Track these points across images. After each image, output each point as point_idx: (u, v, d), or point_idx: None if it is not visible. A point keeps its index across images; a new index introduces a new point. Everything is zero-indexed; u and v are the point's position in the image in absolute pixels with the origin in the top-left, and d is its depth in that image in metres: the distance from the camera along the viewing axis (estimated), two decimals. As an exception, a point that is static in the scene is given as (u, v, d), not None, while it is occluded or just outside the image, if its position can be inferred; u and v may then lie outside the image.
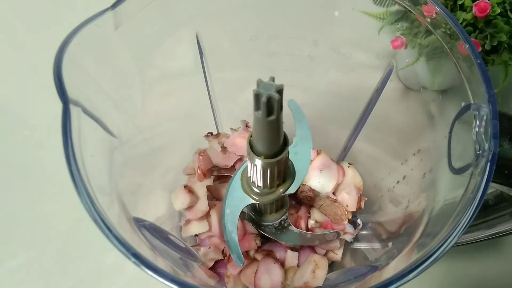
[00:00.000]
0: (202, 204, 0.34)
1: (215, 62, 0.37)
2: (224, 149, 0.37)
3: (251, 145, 0.25)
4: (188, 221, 0.34)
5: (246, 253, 0.35)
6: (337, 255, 0.35)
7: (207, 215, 0.34)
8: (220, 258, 0.35)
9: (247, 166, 0.28)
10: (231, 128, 0.39)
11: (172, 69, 0.34)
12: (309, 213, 0.36)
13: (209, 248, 0.35)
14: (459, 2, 0.40)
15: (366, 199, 0.36)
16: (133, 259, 0.18)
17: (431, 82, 0.29)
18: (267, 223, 0.34)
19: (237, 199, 0.30)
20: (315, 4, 0.33)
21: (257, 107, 0.20)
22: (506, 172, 0.24)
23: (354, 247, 0.36)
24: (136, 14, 0.26)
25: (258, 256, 0.34)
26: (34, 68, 0.50)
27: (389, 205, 0.35)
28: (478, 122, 0.21)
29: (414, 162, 0.31)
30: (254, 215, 0.35)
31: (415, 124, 0.32)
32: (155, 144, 0.37)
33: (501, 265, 0.42)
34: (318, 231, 0.35)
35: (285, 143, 0.25)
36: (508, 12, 0.40)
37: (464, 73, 0.24)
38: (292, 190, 0.29)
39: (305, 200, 0.36)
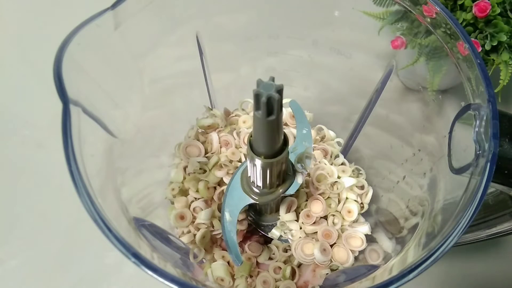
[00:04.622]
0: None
1: (215, 62, 0.37)
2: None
3: (251, 145, 0.25)
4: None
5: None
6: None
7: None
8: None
9: (247, 166, 0.28)
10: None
11: (172, 69, 0.34)
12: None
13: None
14: (459, 2, 0.40)
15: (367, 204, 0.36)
16: (133, 259, 0.18)
17: (431, 82, 0.29)
18: (267, 223, 0.34)
19: (237, 199, 0.30)
20: (315, 4, 0.33)
21: (257, 107, 0.20)
22: (506, 172, 0.24)
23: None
24: (136, 14, 0.26)
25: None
26: (34, 68, 0.50)
27: (389, 205, 0.35)
28: (478, 122, 0.21)
29: (414, 162, 0.31)
30: (254, 215, 0.35)
31: (415, 124, 0.32)
32: (155, 144, 0.37)
33: (501, 265, 0.42)
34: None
35: (285, 143, 0.25)
36: (508, 12, 0.40)
37: (464, 73, 0.24)
38: (292, 190, 0.29)
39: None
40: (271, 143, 0.24)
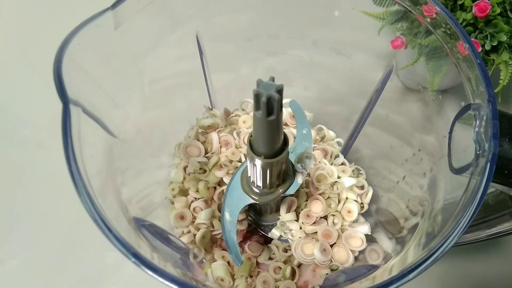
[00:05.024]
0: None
1: (215, 62, 0.37)
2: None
3: (251, 145, 0.25)
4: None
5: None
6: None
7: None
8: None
9: (247, 166, 0.28)
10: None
11: (172, 69, 0.34)
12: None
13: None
14: (459, 2, 0.40)
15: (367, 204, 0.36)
16: (133, 259, 0.18)
17: (431, 82, 0.29)
18: (267, 223, 0.34)
19: (237, 199, 0.30)
20: (315, 4, 0.33)
21: (257, 107, 0.20)
22: (506, 172, 0.24)
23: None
24: (136, 14, 0.26)
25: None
26: (34, 68, 0.50)
27: (389, 205, 0.35)
28: (478, 122, 0.21)
29: (414, 162, 0.31)
30: (254, 215, 0.35)
31: (415, 124, 0.32)
32: (155, 144, 0.37)
33: (501, 265, 0.42)
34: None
35: (285, 143, 0.25)
36: (508, 12, 0.40)
37: (464, 73, 0.24)
38: (292, 190, 0.29)
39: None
40: (271, 143, 0.24)
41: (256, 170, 0.26)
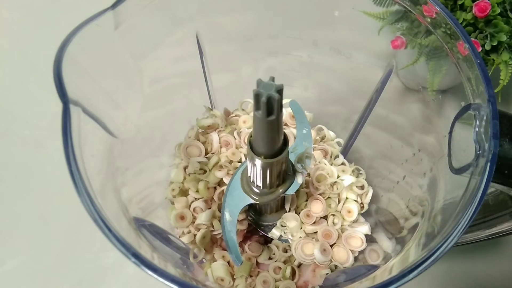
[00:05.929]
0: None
1: (215, 62, 0.37)
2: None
3: (251, 145, 0.25)
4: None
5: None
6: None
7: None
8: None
9: (247, 166, 0.28)
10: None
11: (172, 69, 0.35)
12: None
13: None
14: (459, 2, 0.40)
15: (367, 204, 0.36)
16: (133, 259, 0.18)
17: (431, 82, 0.29)
18: (267, 223, 0.34)
19: (237, 199, 0.30)
20: (315, 4, 0.33)
21: (257, 107, 0.20)
22: (506, 172, 0.24)
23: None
24: (136, 14, 0.26)
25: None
26: (34, 68, 0.50)
27: (389, 205, 0.35)
28: (478, 122, 0.21)
29: (414, 162, 0.31)
30: (254, 215, 0.35)
31: (415, 124, 0.32)
32: (155, 144, 0.37)
33: (501, 265, 0.42)
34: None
35: (285, 143, 0.25)
36: (508, 12, 0.40)
37: (464, 73, 0.24)
38: (292, 190, 0.29)
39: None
40: (271, 143, 0.24)
41: (256, 170, 0.26)
